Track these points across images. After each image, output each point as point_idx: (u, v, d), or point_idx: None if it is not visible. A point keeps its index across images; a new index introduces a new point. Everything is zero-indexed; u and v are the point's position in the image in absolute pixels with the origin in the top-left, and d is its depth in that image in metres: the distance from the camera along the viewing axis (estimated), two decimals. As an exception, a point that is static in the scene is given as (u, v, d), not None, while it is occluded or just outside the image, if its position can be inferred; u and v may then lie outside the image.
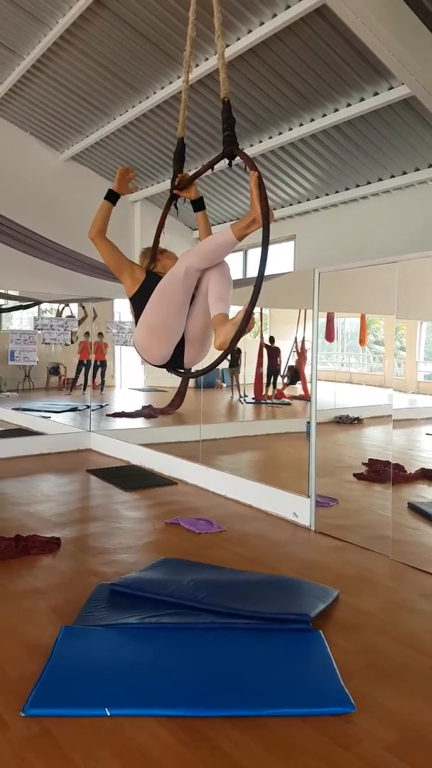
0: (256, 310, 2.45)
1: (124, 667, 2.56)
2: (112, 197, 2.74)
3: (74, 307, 9.87)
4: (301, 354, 10.41)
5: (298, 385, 11.76)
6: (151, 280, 2.70)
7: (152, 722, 2.21)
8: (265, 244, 2.19)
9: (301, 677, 2.53)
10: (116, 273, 2.75)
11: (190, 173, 2.92)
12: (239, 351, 10.74)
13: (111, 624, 2.91)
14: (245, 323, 2.24)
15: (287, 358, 10.88)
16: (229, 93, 2.63)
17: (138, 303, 2.69)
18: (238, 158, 2.51)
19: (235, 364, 11.06)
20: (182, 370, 2.75)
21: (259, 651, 2.72)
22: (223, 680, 2.48)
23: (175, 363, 2.66)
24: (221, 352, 2.35)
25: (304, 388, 10.72)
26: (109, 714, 2.24)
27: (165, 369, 2.75)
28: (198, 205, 2.94)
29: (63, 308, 9.73)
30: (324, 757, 2.06)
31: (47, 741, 2.11)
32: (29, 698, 2.30)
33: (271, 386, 11.33)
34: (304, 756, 2.06)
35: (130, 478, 6.18)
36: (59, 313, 9.54)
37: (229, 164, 2.55)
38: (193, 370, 2.81)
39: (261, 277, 2.18)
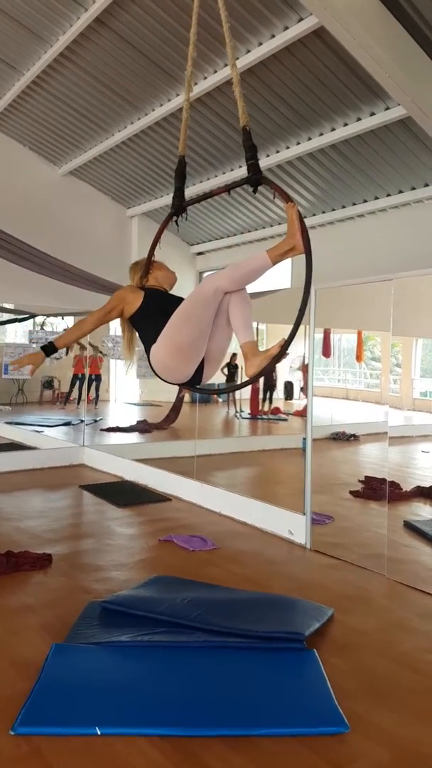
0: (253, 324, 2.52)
1: (115, 685, 2.52)
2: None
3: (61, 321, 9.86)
4: (304, 371, 10.42)
5: (294, 401, 11.77)
6: (152, 296, 2.71)
7: (143, 741, 2.18)
8: (309, 273, 2.37)
9: (295, 696, 2.49)
10: (119, 313, 2.76)
11: (192, 190, 2.97)
12: (237, 366, 10.74)
13: (102, 642, 2.87)
14: (278, 359, 2.41)
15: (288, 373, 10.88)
16: (249, 121, 2.70)
17: (140, 321, 2.70)
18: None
19: (232, 379, 11.07)
20: (198, 386, 2.75)
21: (252, 670, 2.69)
22: (216, 699, 2.44)
23: (194, 381, 2.67)
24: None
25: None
26: (99, 733, 2.20)
27: (179, 386, 2.76)
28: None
29: (44, 321, 9.68)
30: (318, 779, 2.02)
31: (37, 760, 2.07)
32: (19, 716, 2.26)
33: (267, 401, 11.33)
34: (297, 778, 2.03)
35: (124, 494, 6.14)
36: (41, 326, 9.46)
37: (254, 191, 2.64)
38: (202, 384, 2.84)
39: (302, 311, 2.37)
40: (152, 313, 2.64)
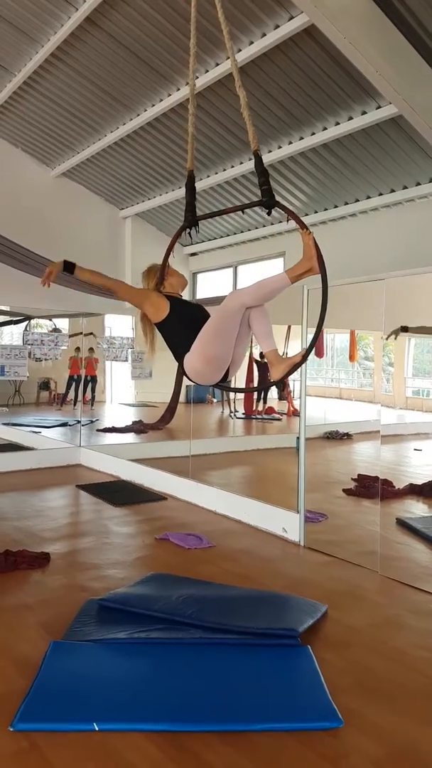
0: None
1: (113, 681, 2.55)
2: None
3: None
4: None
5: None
6: (176, 305, 3.00)
7: (140, 737, 2.21)
8: (325, 295, 2.68)
9: (289, 692, 2.53)
10: (138, 305, 3.02)
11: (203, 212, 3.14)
12: None
13: (100, 639, 2.90)
14: (299, 365, 2.82)
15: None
16: (258, 146, 2.91)
17: (168, 329, 3.00)
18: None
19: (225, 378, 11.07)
20: (223, 384, 3.10)
21: (247, 666, 2.73)
22: (212, 695, 2.48)
23: (222, 380, 3.02)
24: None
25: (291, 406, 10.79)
26: (97, 729, 2.23)
27: (212, 386, 3.16)
28: None
29: (27, 324, 9.68)
30: (312, 771, 2.06)
31: (35, 756, 2.10)
32: (17, 713, 2.29)
33: (261, 401, 11.36)
34: (292, 771, 2.06)
35: (120, 493, 6.17)
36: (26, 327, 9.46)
37: (268, 213, 2.93)
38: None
39: (321, 324, 2.71)
40: (179, 322, 2.94)
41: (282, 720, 2.32)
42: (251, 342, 3.56)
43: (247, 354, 10.75)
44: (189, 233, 3.11)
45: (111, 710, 2.34)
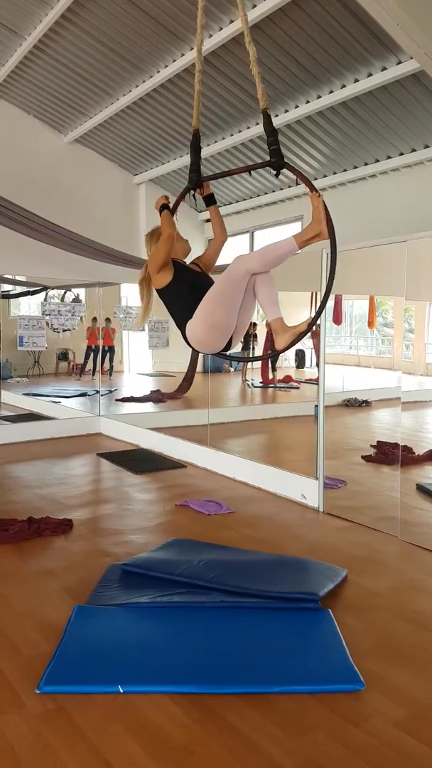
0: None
1: (136, 645, 2.59)
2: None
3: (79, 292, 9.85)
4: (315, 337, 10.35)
5: (306, 369, 11.73)
6: (180, 272, 2.88)
7: (164, 699, 2.25)
8: (333, 260, 2.58)
9: (311, 655, 2.55)
10: (161, 269, 2.88)
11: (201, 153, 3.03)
12: (254, 336, 10.72)
13: (123, 603, 2.95)
14: (304, 334, 2.67)
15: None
16: (267, 104, 2.83)
17: (170, 296, 2.89)
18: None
19: (247, 347, 11.02)
20: (227, 353, 3.03)
21: (268, 629, 2.75)
22: (234, 658, 2.51)
23: (225, 349, 2.93)
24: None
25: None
26: (122, 691, 2.28)
27: (213, 355, 3.04)
28: (210, 200, 3.11)
29: (64, 294, 9.70)
30: (334, 733, 2.08)
31: (62, 717, 2.15)
32: (44, 676, 2.34)
33: (271, 370, 11.30)
34: (314, 732, 2.09)
35: (140, 461, 6.21)
36: (62, 299, 9.51)
37: (276, 174, 2.82)
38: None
39: (328, 291, 2.61)
40: (182, 289, 2.84)
41: (304, 682, 2.34)
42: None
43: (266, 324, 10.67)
44: (193, 196, 3.02)
45: (135, 673, 2.38)
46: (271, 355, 2.92)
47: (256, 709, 2.20)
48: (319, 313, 2.71)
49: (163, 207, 2.95)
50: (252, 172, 3.10)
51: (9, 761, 1.95)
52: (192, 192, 3.01)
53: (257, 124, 8.84)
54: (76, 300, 9.55)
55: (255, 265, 2.67)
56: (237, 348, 3.36)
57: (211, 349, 2.91)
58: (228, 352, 3.00)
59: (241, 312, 2.79)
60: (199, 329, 2.80)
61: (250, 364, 11.31)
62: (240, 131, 9.24)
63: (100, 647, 2.56)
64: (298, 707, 2.22)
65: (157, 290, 2.94)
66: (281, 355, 11.41)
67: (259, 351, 10.70)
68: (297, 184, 2.85)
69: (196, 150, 2.98)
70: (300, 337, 2.69)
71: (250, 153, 9.75)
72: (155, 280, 2.90)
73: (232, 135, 9.38)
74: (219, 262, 3.23)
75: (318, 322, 2.81)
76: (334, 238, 2.60)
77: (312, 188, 2.63)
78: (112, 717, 2.15)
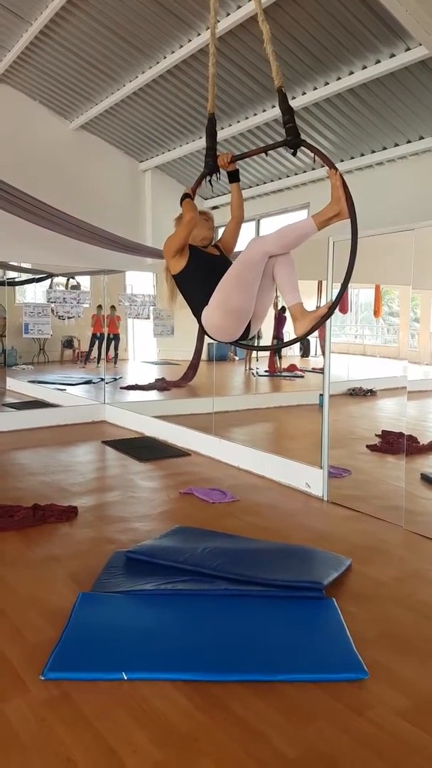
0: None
1: (141, 632, 2.60)
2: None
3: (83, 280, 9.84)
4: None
5: (311, 358, 11.69)
6: (196, 256, 2.80)
7: (168, 686, 2.26)
8: (354, 240, 2.46)
9: (315, 644, 2.56)
10: (178, 253, 2.81)
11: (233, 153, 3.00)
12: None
13: (127, 590, 2.96)
14: (326, 319, 2.59)
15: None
16: (283, 82, 2.73)
17: (186, 282, 2.81)
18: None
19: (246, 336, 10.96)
20: (244, 342, 2.93)
21: (272, 617, 2.76)
22: (238, 646, 2.51)
23: (242, 336, 2.84)
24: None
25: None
26: (126, 678, 2.29)
27: (231, 343, 2.94)
28: (234, 177, 3.02)
29: (68, 281, 9.69)
30: (337, 722, 2.09)
31: (66, 704, 2.16)
32: (48, 662, 2.35)
33: (278, 358, 11.27)
34: (317, 720, 2.10)
35: (145, 449, 6.23)
36: (66, 286, 9.51)
37: (294, 153, 2.72)
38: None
39: (350, 272, 2.47)
40: (199, 275, 2.76)
41: (308, 671, 2.35)
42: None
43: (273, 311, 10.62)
44: (209, 181, 2.98)
45: (139, 660, 2.40)
46: (294, 341, 2.80)
47: (260, 697, 2.21)
48: (339, 296, 2.58)
49: (185, 196, 2.91)
50: (266, 153, 3.03)
51: (14, 747, 1.96)
52: (208, 177, 2.97)
53: (264, 111, 8.75)
54: (76, 287, 9.54)
55: (273, 247, 2.59)
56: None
57: (229, 337, 2.82)
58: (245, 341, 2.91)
59: (260, 297, 2.70)
60: (215, 315, 2.72)
61: (254, 352, 11.26)
62: (247, 117, 9.15)
63: (104, 634, 2.57)
64: (302, 696, 2.22)
65: (174, 276, 2.86)
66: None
67: (267, 338, 10.64)
68: (314, 161, 2.76)
69: (212, 135, 2.94)
70: (322, 321, 2.61)
71: (267, 134, 9.62)
72: (171, 264, 2.83)
73: (239, 121, 9.29)
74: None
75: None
76: (354, 218, 2.48)
77: (331, 165, 2.53)
78: (116, 704, 2.17)
